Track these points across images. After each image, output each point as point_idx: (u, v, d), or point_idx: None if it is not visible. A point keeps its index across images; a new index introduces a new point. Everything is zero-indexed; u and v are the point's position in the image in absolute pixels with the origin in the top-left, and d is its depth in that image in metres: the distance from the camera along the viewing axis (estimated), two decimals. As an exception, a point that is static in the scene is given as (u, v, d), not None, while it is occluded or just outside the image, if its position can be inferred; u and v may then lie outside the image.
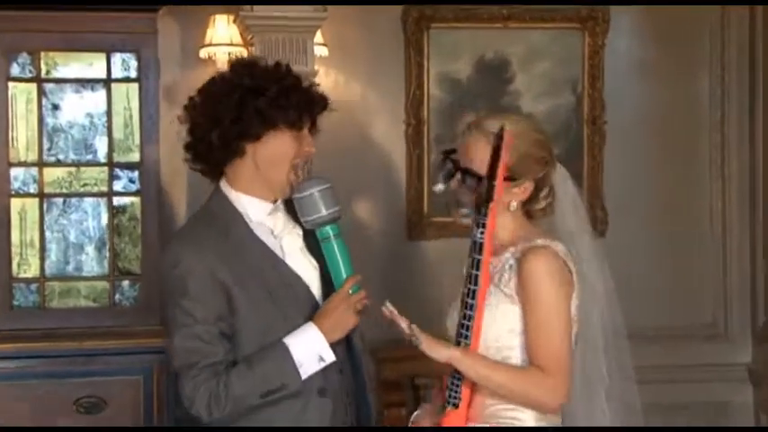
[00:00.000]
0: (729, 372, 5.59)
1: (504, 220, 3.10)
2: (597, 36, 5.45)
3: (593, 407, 3.16)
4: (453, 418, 3.06)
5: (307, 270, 3.10)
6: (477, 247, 2.94)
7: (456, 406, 3.07)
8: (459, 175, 3.07)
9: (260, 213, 3.06)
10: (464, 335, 3.00)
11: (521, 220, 3.12)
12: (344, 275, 3.03)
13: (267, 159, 3.02)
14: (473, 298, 2.98)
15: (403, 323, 2.93)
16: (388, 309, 2.94)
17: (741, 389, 5.60)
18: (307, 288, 3.08)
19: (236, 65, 3.14)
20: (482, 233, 2.93)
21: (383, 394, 4.88)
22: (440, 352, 2.92)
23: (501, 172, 2.85)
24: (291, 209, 3.10)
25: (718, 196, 5.59)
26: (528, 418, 3.08)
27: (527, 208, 3.13)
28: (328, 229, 3.02)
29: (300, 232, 3.12)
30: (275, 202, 3.08)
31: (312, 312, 3.05)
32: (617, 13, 5.47)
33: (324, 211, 2.99)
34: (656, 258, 5.49)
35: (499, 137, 2.85)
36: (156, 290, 4.78)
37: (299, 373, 2.94)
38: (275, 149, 3.02)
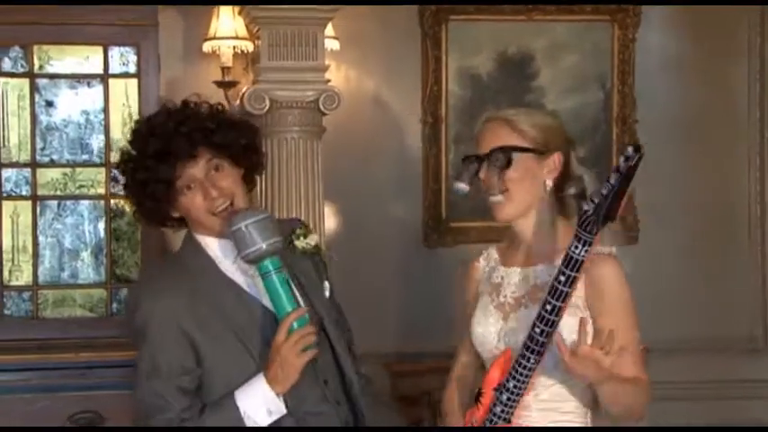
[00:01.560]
0: (766, 388, 5.59)
1: (542, 212, 3.13)
2: (627, 29, 5.44)
3: None
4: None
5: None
6: (576, 265, 2.92)
7: (509, 421, 3.08)
8: (486, 161, 3.08)
9: (225, 251, 3.06)
10: (536, 350, 3.00)
11: (563, 225, 3.14)
12: (287, 308, 2.96)
13: (186, 215, 3.04)
14: (556, 315, 2.98)
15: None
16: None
17: (781, 408, 5.60)
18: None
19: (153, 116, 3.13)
20: (586, 251, 2.92)
21: (401, 411, 4.89)
22: (589, 375, 2.91)
23: (626, 196, 2.83)
24: None
25: (756, 201, 5.57)
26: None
27: (560, 202, 3.16)
28: (267, 264, 2.94)
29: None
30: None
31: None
32: (648, 7, 5.45)
33: (261, 244, 2.93)
34: (689, 266, 5.48)
35: (635, 158, 2.85)
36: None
37: (246, 424, 2.94)
38: (183, 209, 3.03)
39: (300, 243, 3.25)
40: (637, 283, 3.22)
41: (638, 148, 2.79)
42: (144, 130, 3.02)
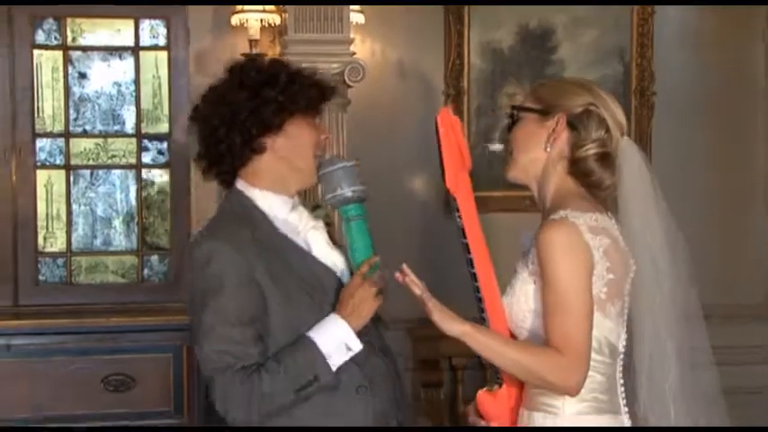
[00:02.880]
0: (779, 355, 5.59)
1: (546, 177, 3.04)
2: (647, 5, 5.41)
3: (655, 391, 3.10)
4: (498, 397, 3.06)
5: (335, 262, 3.10)
6: (462, 233, 2.96)
7: (500, 385, 3.07)
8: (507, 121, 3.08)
9: (282, 210, 3.04)
10: (478, 307, 3.00)
11: (567, 183, 3.04)
12: (361, 255, 3.00)
13: (291, 149, 3.02)
14: (474, 280, 2.98)
15: (417, 290, 2.85)
16: (404, 273, 2.87)
17: (792, 372, 5.59)
18: (338, 279, 3.07)
19: (236, 65, 3.14)
20: (459, 216, 2.95)
21: (420, 374, 4.88)
22: (451, 325, 2.84)
23: (451, 149, 2.91)
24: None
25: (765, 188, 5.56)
26: (560, 405, 3.06)
27: (575, 167, 3.06)
28: (350, 209, 2.99)
29: (324, 227, 3.14)
30: (293, 197, 3.08)
31: None
32: (667, -21, 5.43)
33: (346, 189, 2.98)
34: (704, 235, 5.44)
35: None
36: (186, 265, 4.80)
37: (328, 364, 2.92)
38: (297, 138, 3.02)
39: (315, 213, 3.27)
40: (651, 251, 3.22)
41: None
42: (283, 70, 3.07)
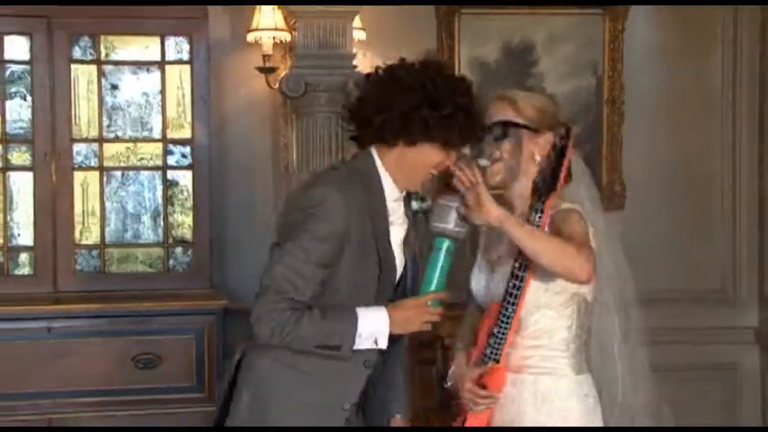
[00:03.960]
0: (738, 334, 5.57)
1: (521, 178, 3.16)
2: (617, 21, 5.39)
3: (608, 363, 3.25)
4: (497, 373, 3.10)
5: (399, 262, 3.13)
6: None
7: (497, 361, 3.11)
8: (489, 132, 3.11)
9: (390, 193, 3.07)
10: (513, 301, 3.01)
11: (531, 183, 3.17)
12: (435, 287, 3.03)
13: (411, 162, 3.03)
14: (524, 271, 3.00)
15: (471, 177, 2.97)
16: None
17: (749, 351, 5.58)
18: (395, 276, 3.11)
19: (428, 63, 3.14)
20: (540, 217, 2.96)
21: (415, 352, 4.89)
22: (490, 209, 2.92)
23: (564, 168, 2.87)
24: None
25: (729, 172, 5.55)
26: (564, 366, 3.14)
27: (552, 175, 3.15)
28: (446, 242, 3.04)
29: (405, 228, 3.15)
30: (402, 191, 3.10)
31: (387, 298, 3.07)
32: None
33: (452, 226, 3.02)
34: (670, 228, 5.46)
35: (566, 136, 2.88)
36: (207, 256, 4.82)
37: (354, 342, 2.95)
38: (422, 158, 3.03)
39: (416, 203, 3.28)
40: (623, 243, 3.25)
41: (568, 130, 2.85)
42: (476, 103, 3.07)
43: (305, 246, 2.91)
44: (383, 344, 3.00)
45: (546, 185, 2.93)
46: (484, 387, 3.12)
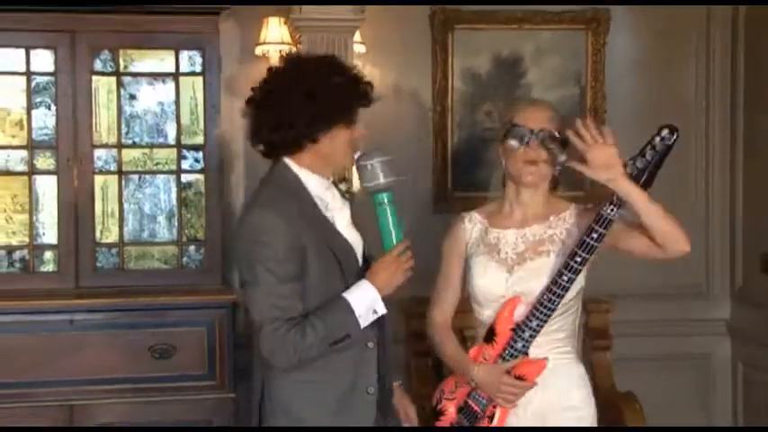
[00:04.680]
0: (711, 326, 5.59)
1: (545, 192, 3.18)
2: (599, 36, 5.42)
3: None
4: (536, 364, 3.10)
5: (355, 241, 3.11)
6: (607, 224, 2.95)
7: (526, 354, 3.09)
8: (536, 135, 3.12)
9: (318, 188, 3.06)
10: (560, 294, 3.02)
11: (552, 195, 3.22)
12: (395, 239, 3.02)
13: (327, 152, 3.02)
14: (582, 265, 2.99)
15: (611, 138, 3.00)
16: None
17: (721, 341, 5.60)
18: (356, 256, 3.09)
19: (289, 63, 3.13)
20: (614, 212, 2.94)
21: (411, 344, 4.89)
22: (620, 168, 2.97)
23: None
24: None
25: (702, 176, 5.58)
26: (574, 356, 3.23)
27: (554, 179, 3.27)
28: (383, 196, 3.02)
29: (348, 208, 3.14)
30: (329, 178, 3.09)
31: (358, 278, 3.04)
32: (617, 16, 5.45)
33: (381, 180, 3.01)
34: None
35: (675, 137, 2.89)
36: (218, 253, 4.81)
37: (359, 324, 2.94)
38: (337, 143, 3.03)
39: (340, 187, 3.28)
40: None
41: (673, 131, 2.82)
42: (350, 72, 3.08)
43: (271, 270, 2.89)
44: (382, 309, 2.98)
45: (640, 182, 2.91)
46: (521, 379, 3.09)
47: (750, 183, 5.40)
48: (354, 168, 3.08)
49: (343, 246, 3.04)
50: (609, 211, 2.94)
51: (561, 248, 3.13)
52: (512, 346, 3.07)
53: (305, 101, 2.96)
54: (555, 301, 3.01)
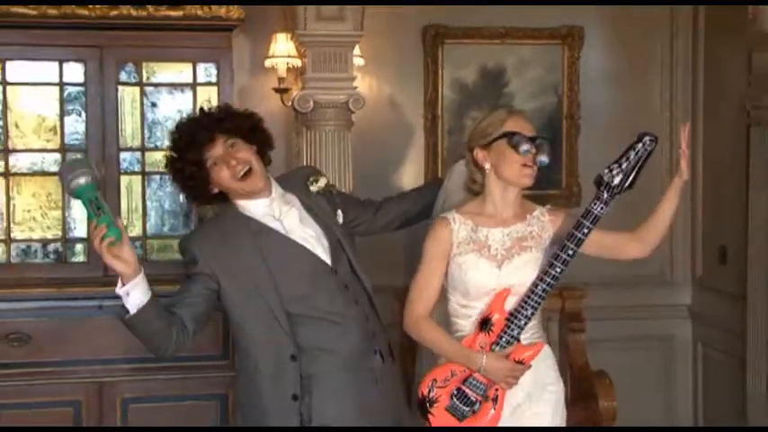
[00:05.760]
0: (674, 311, 5.61)
1: (515, 195, 3.18)
2: (574, 50, 5.44)
3: None
4: (534, 348, 3.15)
5: (307, 238, 3.13)
6: (595, 219, 2.99)
7: (519, 340, 3.11)
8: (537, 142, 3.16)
9: (262, 209, 3.10)
10: (550, 283, 3.06)
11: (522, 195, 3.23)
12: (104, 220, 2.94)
13: (221, 187, 3.14)
14: (572, 257, 3.04)
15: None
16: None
17: (683, 325, 5.61)
18: (310, 253, 3.11)
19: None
20: (602, 208, 2.97)
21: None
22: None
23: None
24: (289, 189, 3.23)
25: (666, 175, 5.56)
26: (544, 337, 3.28)
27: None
28: (80, 191, 2.92)
29: (296, 210, 3.16)
30: (266, 195, 3.14)
31: (318, 271, 3.12)
32: (590, 32, 5.47)
33: (82, 180, 2.90)
34: (617, 222, 5.46)
35: (652, 144, 2.94)
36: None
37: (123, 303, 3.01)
38: (217, 183, 3.11)
39: (314, 187, 3.28)
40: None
41: (653, 139, 2.86)
42: (175, 133, 3.13)
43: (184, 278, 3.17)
44: (118, 291, 2.99)
45: (620, 185, 2.94)
46: (520, 363, 3.10)
47: (709, 182, 5.41)
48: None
49: (297, 253, 3.11)
50: (598, 208, 2.98)
51: (539, 243, 3.17)
52: (508, 333, 3.07)
53: (183, 167, 3.11)
54: (546, 290, 3.06)
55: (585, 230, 3.00)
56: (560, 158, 5.42)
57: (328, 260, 3.15)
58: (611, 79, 5.53)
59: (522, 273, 3.12)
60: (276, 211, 3.12)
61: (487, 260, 3.13)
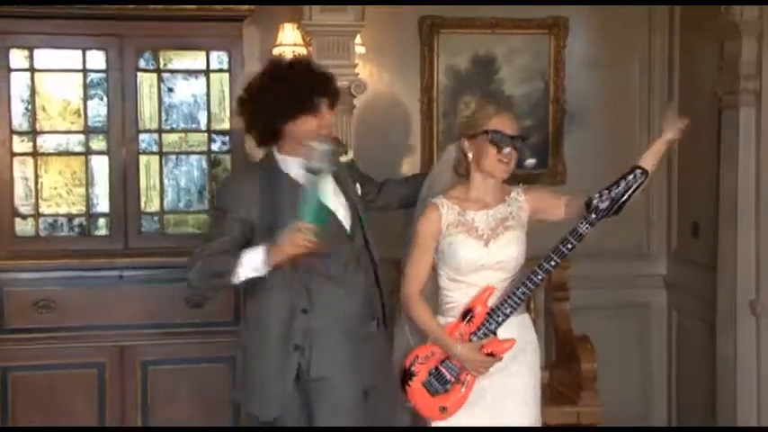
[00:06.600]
0: (650, 281, 5.61)
1: (495, 182, 3.21)
2: (560, 39, 5.41)
3: None
4: (507, 343, 3.17)
5: (337, 206, 3.14)
6: (580, 237, 3.06)
7: (495, 333, 3.15)
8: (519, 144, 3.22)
9: (299, 169, 3.09)
10: (530, 288, 3.14)
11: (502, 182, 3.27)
12: (306, 217, 3.00)
13: (300, 136, 3.12)
14: (554, 268, 3.13)
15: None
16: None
17: (658, 293, 5.62)
18: (336, 218, 3.13)
19: (264, 72, 3.24)
20: (587, 229, 3.06)
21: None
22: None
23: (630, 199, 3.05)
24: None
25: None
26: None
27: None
28: (312, 177, 3.04)
29: (332, 180, 3.16)
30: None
31: (344, 238, 3.16)
32: (574, 23, 5.44)
33: (314, 164, 3.04)
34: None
35: (641, 178, 2.95)
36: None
37: (237, 272, 3.05)
38: (302, 129, 3.12)
39: (344, 157, 3.33)
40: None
41: (645, 172, 2.88)
42: (304, 67, 3.24)
43: (213, 218, 3.20)
44: (259, 273, 3.04)
45: (607, 209, 2.96)
46: (491, 356, 3.14)
47: (684, 160, 5.41)
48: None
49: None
50: (583, 227, 3.03)
51: (519, 221, 3.29)
52: (486, 327, 3.14)
53: (272, 96, 3.09)
54: (526, 293, 3.16)
55: (570, 246, 3.09)
56: (546, 140, 5.41)
57: (348, 228, 3.19)
58: (593, 67, 5.51)
59: (508, 249, 3.22)
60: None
61: (475, 240, 3.22)
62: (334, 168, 3.14)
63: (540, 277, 3.09)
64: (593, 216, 3.02)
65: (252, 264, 3.02)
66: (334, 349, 3.16)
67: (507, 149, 3.16)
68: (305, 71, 3.18)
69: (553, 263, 3.07)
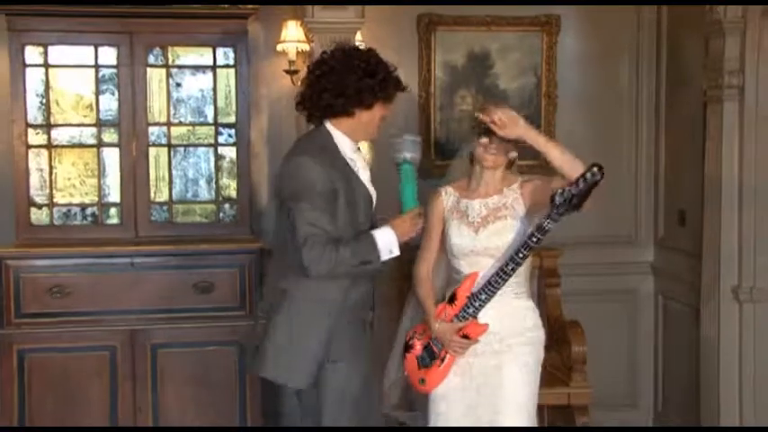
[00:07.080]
0: (638, 267, 5.62)
1: (501, 171, 3.30)
2: (552, 36, 5.41)
3: None
4: (483, 327, 3.22)
5: (373, 193, 3.19)
6: (545, 232, 3.08)
7: (476, 317, 3.17)
8: (494, 137, 3.23)
9: (348, 150, 3.14)
10: (504, 278, 3.17)
11: (505, 173, 3.28)
12: (412, 203, 3.11)
13: (369, 120, 3.13)
14: (523, 259, 3.15)
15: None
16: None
17: (646, 280, 5.62)
18: (372, 203, 3.18)
19: (347, 48, 3.20)
20: (551, 225, 3.05)
21: (406, 283, 4.89)
22: (524, 128, 3.14)
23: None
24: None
25: (632, 147, 5.59)
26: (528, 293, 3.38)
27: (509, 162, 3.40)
28: (406, 167, 3.13)
29: (368, 170, 3.19)
30: (357, 143, 3.20)
31: (365, 223, 3.15)
32: (565, 20, 5.43)
33: (406, 154, 3.13)
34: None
35: (598, 175, 2.92)
36: (247, 210, 4.84)
37: (380, 256, 3.05)
38: (375, 115, 3.14)
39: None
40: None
41: (601, 168, 2.88)
42: (381, 59, 3.23)
43: (305, 200, 2.96)
44: (397, 251, 3.07)
45: (571, 206, 2.96)
46: (466, 338, 3.18)
47: (670, 151, 5.41)
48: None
49: (366, 195, 3.14)
50: (546, 223, 3.04)
51: (513, 212, 3.30)
52: (465, 311, 3.21)
53: (364, 77, 3.06)
54: (500, 283, 3.20)
55: (535, 240, 3.12)
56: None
57: (370, 216, 3.23)
58: (584, 62, 5.50)
59: (497, 238, 3.25)
60: (358, 161, 3.21)
61: (467, 227, 3.28)
62: (421, 157, 3.20)
63: (510, 268, 3.16)
64: (555, 212, 3.04)
65: (386, 246, 3.05)
66: (352, 335, 3.17)
67: (484, 138, 3.22)
68: (384, 63, 3.21)
69: (521, 255, 3.14)
